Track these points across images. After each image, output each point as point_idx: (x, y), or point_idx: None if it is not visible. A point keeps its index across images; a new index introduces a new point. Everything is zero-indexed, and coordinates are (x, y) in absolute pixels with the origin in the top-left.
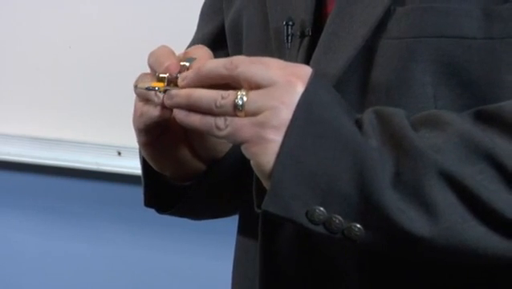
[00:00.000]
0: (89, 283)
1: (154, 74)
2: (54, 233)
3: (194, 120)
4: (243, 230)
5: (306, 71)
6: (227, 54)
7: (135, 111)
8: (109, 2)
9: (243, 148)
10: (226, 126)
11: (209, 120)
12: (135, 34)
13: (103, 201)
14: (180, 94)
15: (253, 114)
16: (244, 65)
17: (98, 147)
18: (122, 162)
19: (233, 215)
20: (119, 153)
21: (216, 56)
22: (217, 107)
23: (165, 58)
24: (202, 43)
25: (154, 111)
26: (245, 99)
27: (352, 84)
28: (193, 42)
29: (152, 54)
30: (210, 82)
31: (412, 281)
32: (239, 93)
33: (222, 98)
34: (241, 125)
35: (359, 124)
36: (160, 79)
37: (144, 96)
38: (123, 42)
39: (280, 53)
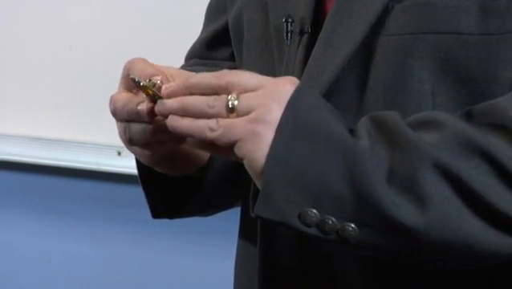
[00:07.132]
0: (89, 283)
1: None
2: (54, 233)
3: (186, 124)
4: (244, 229)
5: (292, 78)
6: (231, 52)
7: (124, 135)
8: (109, 2)
9: (236, 149)
10: (219, 126)
11: (201, 123)
12: (135, 34)
13: (103, 201)
14: (173, 100)
15: (246, 114)
16: (232, 74)
17: (98, 147)
18: (122, 162)
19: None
20: (120, 153)
21: (220, 54)
22: (209, 107)
23: (150, 68)
24: (207, 42)
25: (145, 126)
26: (236, 102)
27: (351, 81)
28: (199, 41)
29: (133, 68)
30: (197, 92)
31: (414, 282)
32: (230, 96)
33: (215, 100)
34: (233, 124)
35: (353, 132)
36: (144, 87)
37: (131, 116)
38: (123, 42)
39: (280, 50)
